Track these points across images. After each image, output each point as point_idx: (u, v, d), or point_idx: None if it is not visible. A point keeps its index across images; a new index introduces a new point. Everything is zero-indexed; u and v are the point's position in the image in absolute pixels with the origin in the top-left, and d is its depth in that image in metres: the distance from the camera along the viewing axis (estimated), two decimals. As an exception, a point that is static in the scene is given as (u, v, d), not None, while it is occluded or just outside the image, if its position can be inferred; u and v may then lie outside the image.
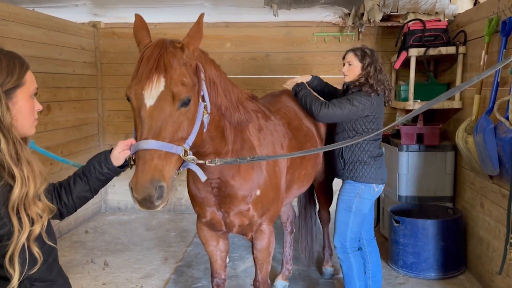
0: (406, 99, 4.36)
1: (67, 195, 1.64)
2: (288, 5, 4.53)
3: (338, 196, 3.01)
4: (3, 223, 1.30)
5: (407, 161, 4.11)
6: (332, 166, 3.17)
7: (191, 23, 1.88)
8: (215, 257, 2.72)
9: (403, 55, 4.28)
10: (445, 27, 4.20)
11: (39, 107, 1.46)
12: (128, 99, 1.80)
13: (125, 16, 5.22)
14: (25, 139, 1.46)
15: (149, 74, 1.72)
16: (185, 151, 1.78)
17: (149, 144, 1.66)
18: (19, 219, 1.31)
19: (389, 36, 5.05)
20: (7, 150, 1.29)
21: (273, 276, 3.63)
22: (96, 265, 4.07)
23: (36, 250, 1.37)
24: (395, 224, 3.77)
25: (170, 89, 1.72)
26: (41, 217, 1.37)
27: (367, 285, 3.12)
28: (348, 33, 5.09)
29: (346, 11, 4.87)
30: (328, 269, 3.77)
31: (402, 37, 4.43)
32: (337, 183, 3.31)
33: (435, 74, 4.72)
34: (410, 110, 4.46)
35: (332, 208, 3.37)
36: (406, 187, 4.15)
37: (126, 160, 1.74)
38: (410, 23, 4.28)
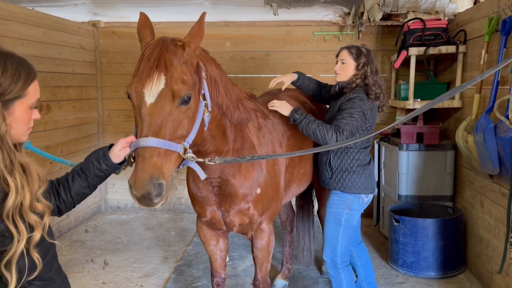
0: (406, 98, 4.35)
1: (66, 192, 1.64)
2: (288, 4, 4.53)
3: (325, 209, 2.84)
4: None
5: (407, 160, 4.11)
6: (318, 174, 2.99)
7: (191, 22, 1.88)
8: (215, 256, 2.72)
9: (403, 54, 4.28)
10: (445, 26, 4.20)
11: (36, 116, 1.45)
12: (129, 96, 1.80)
13: (125, 15, 5.21)
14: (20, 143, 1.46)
15: (149, 72, 1.72)
16: (185, 149, 1.78)
17: (149, 141, 1.66)
18: (16, 227, 1.30)
19: (389, 35, 5.05)
20: (2, 160, 1.29)
21: (273, 275, 3.63)
22: (96, 264, 4.06)
23: (36, 256, 1.37)
24: (395, 223, 3.77)
25: (170, 87, 1.72)
26: (41, 222, 1.37)
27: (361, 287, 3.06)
28: (348, 32, 5.09)
29: (346, 10, 4.87)
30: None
31: (402, 36, 4.43)
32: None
33: (435, 73, 4.72)
34: (410, 109, 4.46)
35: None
36: (406, 186, 4.15)
37: (125, 157, 1.75)
38: (410, 22, 4.28)
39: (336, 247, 2.77)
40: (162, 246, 4.52)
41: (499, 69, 3.09)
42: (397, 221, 3.76)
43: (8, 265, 1.31)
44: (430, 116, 4.69)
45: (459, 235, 3.78)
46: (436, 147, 4.09)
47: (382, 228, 4.67)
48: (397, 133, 4.41)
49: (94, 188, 1.71)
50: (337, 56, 2.84)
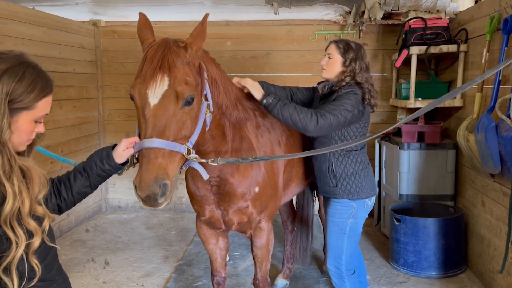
0: (407, 98, 4.35)
1: (67, 191, 1.65)
2: (288, 3, 4.53)
3: (327, 217, 2.70)
4: None
5: (408, 159, 4.10)
6: (315, 183, 2.81)
7: (192, 21, 1.90)
8: (214, 255, 2.73)
9: (404, 53, 4.27)
10: (446, 25, 4.18)
11: (40, 130, 1.45)
12: (132, 98, 1.81)
13: (126, 15, 5.21)
14: (31, 146, 1.47)
15: (153, 73, 1.73)
16: (188, 150, 1.80)
17: (153, 142, 1.67)
18: (14, 232, 1.30)
19: (390, 34, 5.04)
20: (1, 165, 1.29)
21: (274, 275, 3.63)
22: (96, 264, 4.06)
23: (35, 263, 1.36)
24: (396, 223, 3.77)
25: (174, 88, 1.73)
26: (40, 229, 1.36)
27: None
28: (349, 31, 5.08)
29: (347, 9, 4.86)
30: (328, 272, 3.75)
31: (403, 35, 4.42)
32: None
33: (436, 72, 4.71)
34: (411, 109, 4.46)
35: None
36: (407, 186, 4.14)
37: (127, 158, 1.75)
38: (411, 21, 4.27)
39: (341, 256, 2.63)
40: (163, 246, 4.52)
41: (501, 68, 3.09)
42: (398, 220, 3.76)
43: (7, 270, 1.31)
44: (431, 115, 4.68)
45: (460, 234, 3.77)
46: (437, 146, 4.09)
47: (383, 228, 4.66)
48: (398, 132, 4.40)
49: (96, 187, 1.71)
50: (326, 49, 2.64)
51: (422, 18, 4.21)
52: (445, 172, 4.09)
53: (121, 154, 1.71)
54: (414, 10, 4.40)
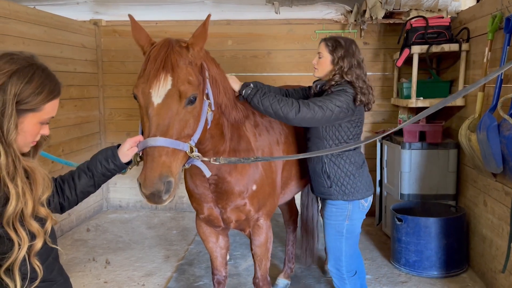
0: (408, 97, 4.34)
1: (71, 190, 1.65)
2: (289, 3, 4.52)
3: (323, 219, 2.68)
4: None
5: (410, 159, 4.10)
6: (311, 183, 2.77)
7: (193, 20, 1.93)
8: (215, 254, 2.74)
9: (406, 52, 4.26)
10: (448, 24, 4.17)
11: (45, 132, 1.45)
12: (135, 97, 1.83)
13: (126, 14, 5.19)
14: (36, 147, 1.47)
15: (156, 73, 1.75)
16: (191, 148, 1.83)
17: (157, 141, 1.70)
18: (17, 234, 1.30)
19: (391, 33, 5.03)
20: (5, 165, 1.29)
21: (276, 275, 3.63)
22: (97, 263, 4.06)
23: (37, 264, 1.36)
24: (398, 222, 3.76)
25: (177, 88, 1.76)
26: (42, 230, 1.36)
27: None
28: (350, 31, 5.07)
29: (348, 8, 4.85)
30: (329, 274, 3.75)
31: (405, 35, 4.40)
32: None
33: (437, 71, 4.69)
34: (413, 108, 4.45)
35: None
36: (408, 185, 4.13)
37: (131, 158, 1.77)
38: (413, 20, 4.26)
39: (341, 258, 2.60)
40: (164, 245, 4.52)
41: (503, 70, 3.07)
42: (400, 220, 3.75)
43: (10, 271, 1.31)
44: (433, 114, 4.66)
45: (462, 234, 3.76)
46: (439, 145, 4.08)
47: (384, 227, 4.65)
48: (399, 131, 4.39)
49: (99, 187, 1.73)
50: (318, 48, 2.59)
51: (424, 17, 4.20)
52: (446, 172, 4.08)
53: (126, 153, 1.73)
54: (416, 9, 4.39)
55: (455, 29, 4.26)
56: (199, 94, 1.86)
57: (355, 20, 4.90)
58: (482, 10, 3.68)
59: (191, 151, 1.83)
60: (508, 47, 3.09)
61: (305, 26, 5.21)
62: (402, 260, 3.79)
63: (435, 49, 4.12)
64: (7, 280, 1.32)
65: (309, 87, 2.82)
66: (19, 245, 1.30)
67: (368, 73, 2.64)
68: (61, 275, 1.56)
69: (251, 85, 2.38)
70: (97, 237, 4.75)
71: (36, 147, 1.48)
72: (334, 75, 2.45)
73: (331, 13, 4.99)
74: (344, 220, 2.54)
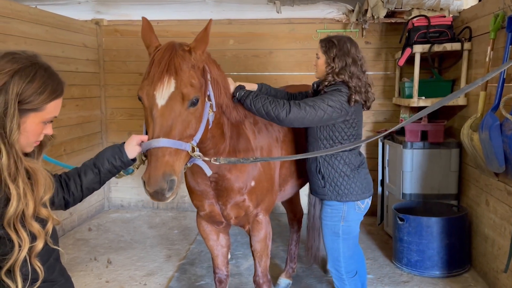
0: (410, 96, 4.33)
1: (76, 186, 1.67)
2: (291, 2, 4.51)
3: (320, 220, 2.68)
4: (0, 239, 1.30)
5: (411, 158, 4.09)
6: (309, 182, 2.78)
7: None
8: (215, 252, 2.78)
9: (408, 51, 4.25)
10: (450, 23, 4.16)
11: (49, 132, 1.44)
12: (140, 99, 1.90)
13: (128, 14, 5.21)
14: (40, 147, 1.47)
15: (160, 76, 1.82)
16: (193, 148, 1.91)
17: (160, 142, 1.77)
18: (18, 235, 1.30)
19: (393, 32, 5.02)
20: (7, 166, 1.28)
21: (277, 274, 3.62)
22: (99, 263, 4.07)
23: (38, 265, 1.36)
24: (399, 222, 3.75)
25: (180, 90, 1.83)
26: (43, 231, 1.36)
27: None
28: (352, 30, 5.06)
29: (350, 7, 4.84)
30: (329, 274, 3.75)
31: (407, 34, 4.39)
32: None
33: (439, 70, 4.68)
34: (414, 107, 4.44)
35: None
36: (410, 185, 4.12)
37: (135, 157, 1.83)
38: (415, 19, 4.25)
39: (339, 258, 2.59)
40: (166, 245, 4.52)
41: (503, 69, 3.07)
42: (402, 219, 3.74)
43: (11, 272, 1.31)
44: (435, 114, 4.66)
45: (464, 233, 3.75)
46: (441, 145, 4.07)
47: (386, 227, 4.65)
48: (401, 131, 4.39)
49: (103, 183, 1.77)
50: None
51: (426, 16, 4.19)
52: (448, 171, 4.07)
53: (132, 149, 1.77)
54: (418, 8, 4.38)
55: (457, 28, 4.25)
56: (201, 96, 1.93)
57: (357, 19, 4.89)
58: (484, 9, 3.67)
59: (193, 150, 1.90)
60: (510, 46, 3.08)
61: (307, 26, 5.20)
62: (404, 259, 3.78)
63: (437, 48, 4.11)
64: (8, 281, 1.31)
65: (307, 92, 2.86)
66: (20, 246, 1.29)
67: (369, 73, 2.63)
68: (62, 276, 1.55)
69: (245, 87, 2.41)
70: (99, 237, 4.75)
71: (40, 147, 1.47)
72: (327, 75, 2.46)
73: (333, 12, 4.98)
74: (339, 221, 2.53)
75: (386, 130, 4.68)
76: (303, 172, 2.96)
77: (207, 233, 2.73)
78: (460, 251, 3.71)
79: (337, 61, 2.42)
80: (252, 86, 2.60)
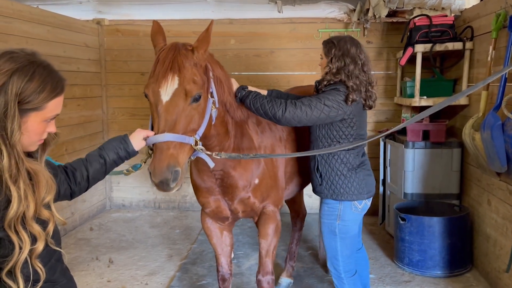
0: (412, 96, 4.32)
1: (83, 176, 1.69)
2: (292, 1, 4.51)
3: (319, 218, 2.72)
4: (0, 241, 1.29)
5: (413, 158, 4.08)
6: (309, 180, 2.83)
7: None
8: (219, 250, 2.81)
9: (409, 51, 4.24)
10: (451, 22, 4.15)
11: (52, 130, 1.43)
12: (146, 96, 2.00)
13: (129, 13, 5.21)
14: (44, 146, 1.46)
15: (164, 74, 1.92)
16: (196, 141, 1.99)
17: (165, 137, 1.87)
18: (18, 236, 1.29)
19: (395, 32, 5.01)
20: (8, 167, 1.27)
21: (278, 274, 3.62)
22: (101, 263, 4.07)
23: (39, 267, 1.35)
24: (401, 222, 3.75)
25: (183, 87, 1.92)
26: (43, 233, 1.35)
27: None
28: (354, 29, 5.06)
29: (351, 7, 4.84)
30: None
31: (408, 33, 4.39)
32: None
33: (441, 70, 4.68)
34: (416, 107, 4.43)
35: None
36: (412, 185, 4.12)
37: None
38: (416, 18, 4.24)
39: (337, 257, 2.61)
40: (167, 244, 4.52)
41: (506, 65, 3.06)
42: (403, 219, 3.74)
43: (12, 274, 1.30)
44: (436, 113, 4.65)
45: (465, 233, 3.74)
46: (443, 144, 4.06)
47: (387, 227, 4.64)
48: (402, 130, 4.38)
49: (107, 174, 1.81)
50: None
51: (427, 16, 4.18)
52: (450, 171, 4.07)
53: (139, 142, 1.86)
54: (419, 8, 4.37)
55: (458, 28, 4.24)
56: (203, 93, 2.02)
57: (358, 19, 4.88)
58: (486, 8, 3.66)
59: (196, 144, 1.99)
60: (512, 45, 3.08)
61: (308, 25, 5.20)
62: (406, 259, 3.78)
63: (439, 47, 4.10)
64: (9, 282, 1.30)
65: None
66: (20, 247, 1.29)
67: (371, 72, 2.61)
68: (64, 276, 1.54)
69: (247, 88, 2.46)
70: (100, 236, 4.76)
71: (43, 146, 1.46)
72: (326, 74, 2.51)
73: (334, 12, 4.97)
74: (336, 219, 2.55)
75: (387, 130, 4.72)
76: (306, 171, 2.97)
77: (211, 230, 2.78)
78: (461, 251, 3.70)
79: (335, 62, 2.46)
80: (262, 92, 2.59)
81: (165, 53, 1.97)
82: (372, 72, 2.58)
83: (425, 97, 4.19)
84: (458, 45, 4.03)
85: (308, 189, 3.92)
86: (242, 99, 2.42)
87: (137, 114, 5.55)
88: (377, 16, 4.53)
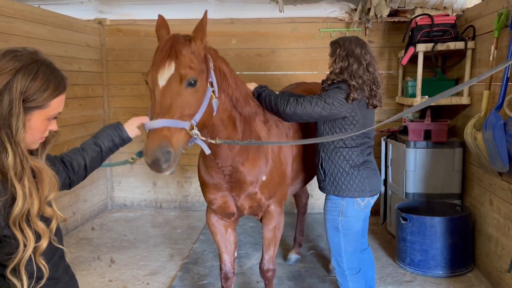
0: (413, 95, 4.31)
1: (80, 165, 1.72)
2: (294, 1, 4.50)
3: (324, 214, 2.77)
4: (5, 238, 1.30)
5: (415, 158, 4.07)
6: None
7: (197, 19, 2.09)
8: (223, 247, 2.85)
9: (411, 50, 4.23)
10: (453, 22, 4.14)
11: (53, 128, 1.45)
12: (147, 83, 2.05)
13: (131, 13, 5.21)
14: (44, 144, 1.47)
15: (162, 60, 1.99)
16: (192, 126, 2.00)
17: (159, 123, 1.89)
18: (23, 234, 1.30)
19: (396, 31, 5.00)
20: (13, 165, 1.28)
21: (286, 253, 3.63)
22: (102, 262, 4.07)
23: (42, 264, 1.36)
24: (403, 222, 3.74)
25: (179, 72, 1.97)
26: (47, 230, 1.36)
27: None
28: (355, 29, 5.05)
29: (353, 6, 4.83)
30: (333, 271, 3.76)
31: (410, 33, 4.38)
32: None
33: (443, 69, 4.67)
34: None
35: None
36: (413, 184, 4.11)
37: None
38: (418, 18, 4.23)
39: (341, 253, 2.65)
40: (169, 244, 4.53)
41: (508, 65, 3.05)
42: (405, 219, 3.73)
43: (16, 271, 1.31)
44: (438, 113, 4.64)
45: (467, 233, 3.74)
46: (444, 144, 4.05)
47: (389, 226, 4.64)
48: (404, 130, 4.37)
49: (103, 162, 1.84)
50: None
51: (429, 15, 4.17)
52: (452, 171, 4.06)
53: (133, 130, 1.89)
54: (421, 7, 4.36)
55: (460, 27, 4.23)
56: (201, 80, 2.04)
57: (360, 19, 4.87)
58: (488, 7, 3.65)
59: (191, 129, 1.99)
60: (514, 45, 3.07)
61: (310, 25, 5.19)
62: (407, 259, 3.77)
63: (441, 47, 4.09)
64: (13, 279, 1.31)
65: None
66: (25, 245, 1.30)
67: (377, 72, 2.65)
68: (67, 273, 1.56)
69: (264, 87, 2.67)
70: (102, 236, 4.76)
71: (44, 144, 1.47)
72: (330, 74, 2.61)
73: (336, 11, 4.97)
74: (338, 215, 2.60)
75: (388, 130, 4.71)
76: (312, 168, 3.06)
77: (216, 227, 2.82)
78: (463, 251, 3.69)
79: (338, 62, 2.55)
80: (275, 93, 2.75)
81: (164, 43, 2.03)
82: (379, 72, 2.65)
83: (426, 96, 4.18)
84: (460, 45, 4.02)
85: (309, 189, 3.92)
86: (258, 96, 2.62)
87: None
88: (378, 16, 4.52)
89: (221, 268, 2.88)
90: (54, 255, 1.47)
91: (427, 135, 4.10)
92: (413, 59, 4.31)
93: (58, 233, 1.48)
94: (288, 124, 2.85)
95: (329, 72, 2.63)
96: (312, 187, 4.15)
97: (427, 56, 4.21)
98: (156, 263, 4.06)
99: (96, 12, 5.22)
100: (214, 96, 2.16)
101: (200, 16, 2.09)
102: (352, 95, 2.45)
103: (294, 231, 4.20)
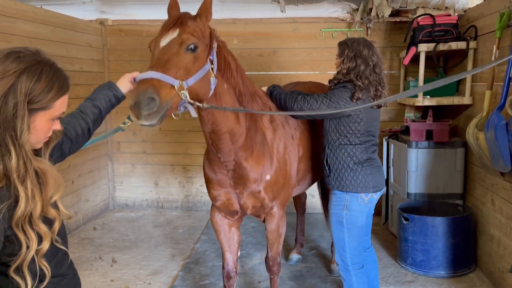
0: (415, 96, 4.31)
1: (83, 129, 1.75)
2: (295, 1, 4.51)
3: (329, 210, 2.82)
4: (8, 240, 1.29)
5: (416, 158, 4.07)
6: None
7: None
8: (226, 246, 2.87)
9: (412, 50, 4.22)
10: (455, 22, 4.14)
11: (57, 127, 1.45)
12: (150, 48, 2.11)
13: (132, 13, 5.21)
14: (48, 143, 1.47)
15: (167, 27, 2.08)
16: (182, 86, 1.98)
17: (151, 74, 1.92)
18: (26, 235, 1.30)
19: (398, 31, 5.00)
20: (16, 168, 1.27)
21: (288, 253, 3.63)
22: (104, 262, 4.08)
23: (44, 265, 1.36)
24: (404, 222, 3.74)
25: (181, 36, 2.04)
26: (49, 232, 1.36)
27: None
28: (357, 29, 5.05)
29: (354, 6, 4.83)
30: (336, 266, 3.75)
31: (411, 33, 4.37)
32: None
33: (444, 69, 4.66)
34: (419, 107, 4.42)
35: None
36: (415, 184, 4.11)
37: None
38: (420, 18, 4.23)
39: (345, 248, 2.70)
40: (170, 244, 4.53)
41: (510, 66, 3.04)
42: (406, 219, 3.73)
43: (19, 270, 1.31)
44: (440, 113, 4.64)
45: (469, 233, 3.73)
46: (446, 144, 4.05)
47: (391, 226, 4.63)
48: (406, 130, 4.37)
49: (102, 122, 1.88)
50: None
51: (431, 15, 4.16)
52: (454, 171, 4.05)
53: (126, 85, 1.91)
54: (423, 7, 4.36)
55: (462, 27, 4.23)
56: (201, 52, 2.09)
57: (361, 19, 4.87)
58: (490, 7, 3.64)
59: (181, 89, 1.97)
60: (516, 44, 3.06)
61: (311, 25, 5.19)
62: (409, 259, 3.77)
63: (442, 47, 4.09)
64: (17, 278, 1.31)
65: None
66: (28, 246, 1.29)
67: (383, 72, 2.72)
68: (71, 269, 1.57)
69: (277, 86, 2.84)
70: (104, 236, 4.77)
71: (47, 142, 1.47)
72: (337, 74, 2.67)
73: (337, 11, 4.97)
74: (343, 209, 2.66)
75: (390, 130, 4.71)
76: (318, 167, 3.06)
77: (219, 225, 2.84)
78: (465, 251, 3.69)
79: (346, 62, 2.60)
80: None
81: (172, 16, 2.14)
82: (385, 72, 2.72)
83: (428, 96, 4.18)
84: (461, 45, 4.01)
85: (310, 189, 3.92)
86: (270, 94, 2.77)
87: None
88: (380, 16, 4.52)
89: (223, 267, 2.89)
90: (58, 253, 1.48)
91: (429, 135, 4.10)
92: (415, 59, 4.31)
93: (62, 231, 1.48)
94: (294, 125, 2.90)
95: (336, 72, 2.70)
96: (312, 187, 4.15)
97: (429, 56, 4.20)
98: (157, 263, 4.06)
99: (98, 12, 5.23)
100: (212, 74, 2.18)
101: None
102: (357, 95, 2.52)
103: (295, 231, 4.20)
